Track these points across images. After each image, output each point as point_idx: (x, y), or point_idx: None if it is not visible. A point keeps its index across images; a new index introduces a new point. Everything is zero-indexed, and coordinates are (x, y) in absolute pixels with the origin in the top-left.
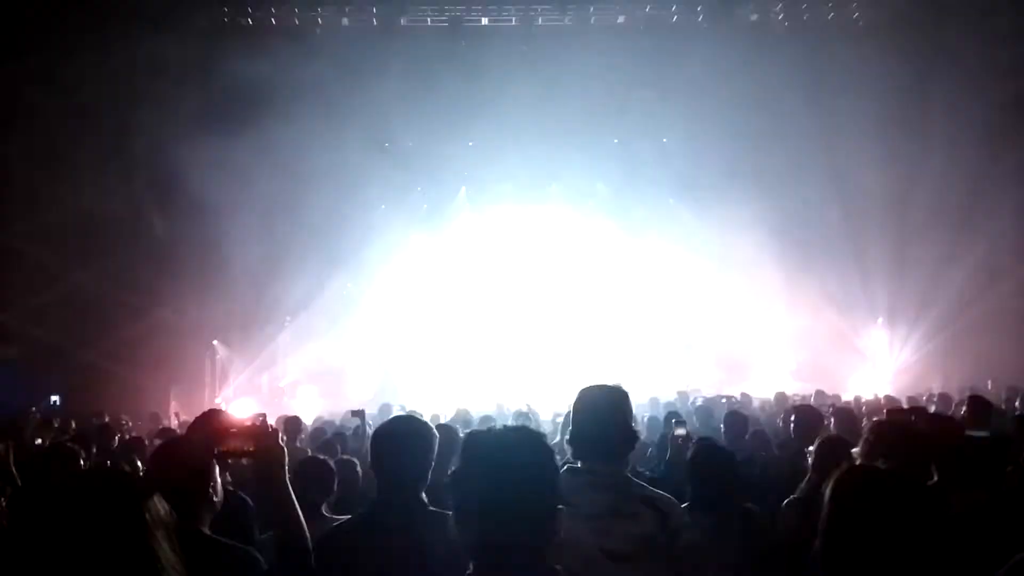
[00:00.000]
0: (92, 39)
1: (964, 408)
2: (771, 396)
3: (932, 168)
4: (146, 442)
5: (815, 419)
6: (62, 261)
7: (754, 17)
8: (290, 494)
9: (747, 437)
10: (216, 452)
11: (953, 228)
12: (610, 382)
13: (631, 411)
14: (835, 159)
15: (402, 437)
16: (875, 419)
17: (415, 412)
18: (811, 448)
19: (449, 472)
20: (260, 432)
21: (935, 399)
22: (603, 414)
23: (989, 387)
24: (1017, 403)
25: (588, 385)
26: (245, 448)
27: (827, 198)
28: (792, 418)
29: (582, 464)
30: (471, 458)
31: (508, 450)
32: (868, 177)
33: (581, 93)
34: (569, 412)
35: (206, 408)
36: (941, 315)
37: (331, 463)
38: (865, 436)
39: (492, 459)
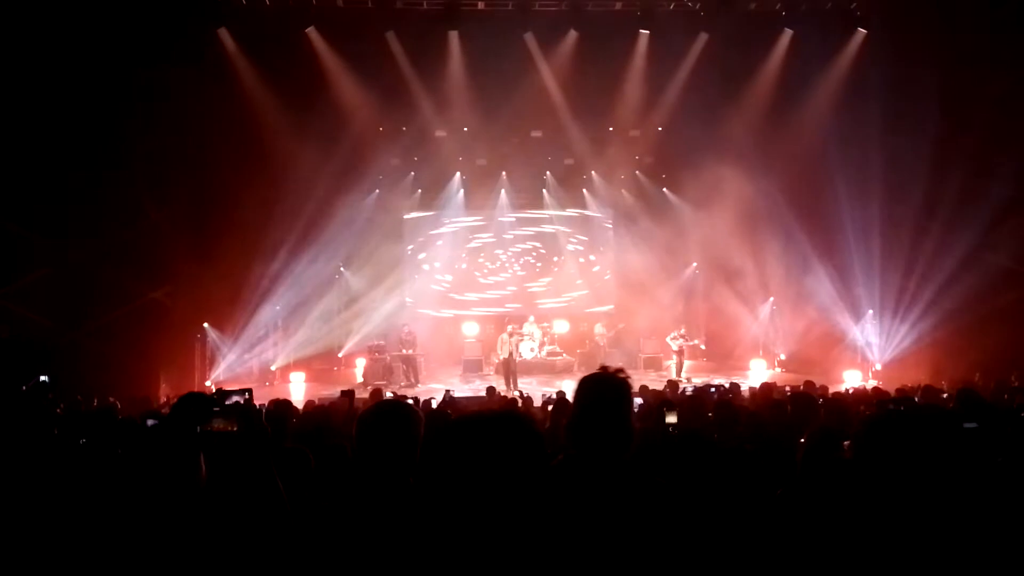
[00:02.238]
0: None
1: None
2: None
3: (928, 162)
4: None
5: (811, 406)
6: (54, 240)
7: (752, 5)
8: (274, 475)
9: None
10: (199, 431)
11: (947, 223)
12: (611, 370)
13: (632, 401)
14: (831, 151)
15: (386, 422)
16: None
17: (403, 397)
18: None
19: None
20: (244, 412)
21: (920, 391)
22: (610, 404)
23: (977, 380)
24: (1005, 396)
25: (592, 373)
26: (228, 428)
27: (822, 191)
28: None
29: (582, 455)
30: (459, 443)
31: (495, 436)
32: (864, 170)
33: (577, 79)
34: (554, 399)
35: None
36: (933, 309)
37: (307, 451)
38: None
39: (479, 444)
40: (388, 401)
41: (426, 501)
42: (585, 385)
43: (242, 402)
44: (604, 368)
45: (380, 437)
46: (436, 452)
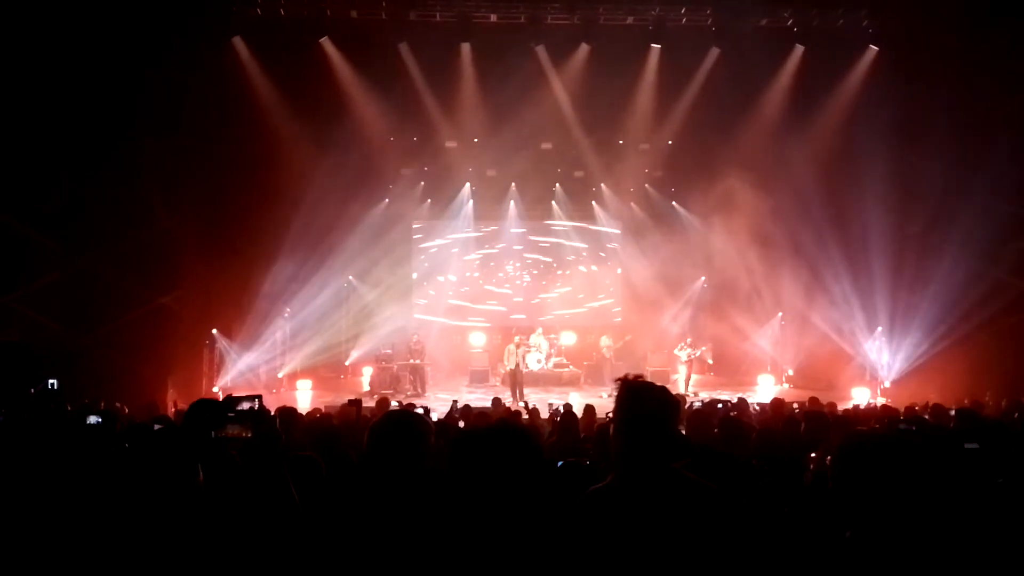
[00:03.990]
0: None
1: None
2: (767, 401)
3: (940, 179)
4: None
5: (824, 424)
6: (64, 245)
7: (764, 21)
8: (287, 481)
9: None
10: (212, 437)
11: (959, 240)
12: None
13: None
14: (841, 167)
15: (397, 431)
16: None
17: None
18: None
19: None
20: (257, 417)
21: (929, 410)
22: (661, 415)
23: (987, 399)
24: (1016, 415)
25: (634, 382)
26: (242, 434)
27: (832, 207)
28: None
29: (636, 470)
30: (463, 455)
31: (498, 448)
32: (874, 187)
33: (588, 92)
34: (561, 412)
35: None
36: (943, 327)
37: (319, 459)
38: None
39: (482, 456)
40: (399, 411)
41: (435, 508)
42: (632, 395)
43: (255, 407)
44: (625, 376)
45: (391, 446)
46: (442, 462)
